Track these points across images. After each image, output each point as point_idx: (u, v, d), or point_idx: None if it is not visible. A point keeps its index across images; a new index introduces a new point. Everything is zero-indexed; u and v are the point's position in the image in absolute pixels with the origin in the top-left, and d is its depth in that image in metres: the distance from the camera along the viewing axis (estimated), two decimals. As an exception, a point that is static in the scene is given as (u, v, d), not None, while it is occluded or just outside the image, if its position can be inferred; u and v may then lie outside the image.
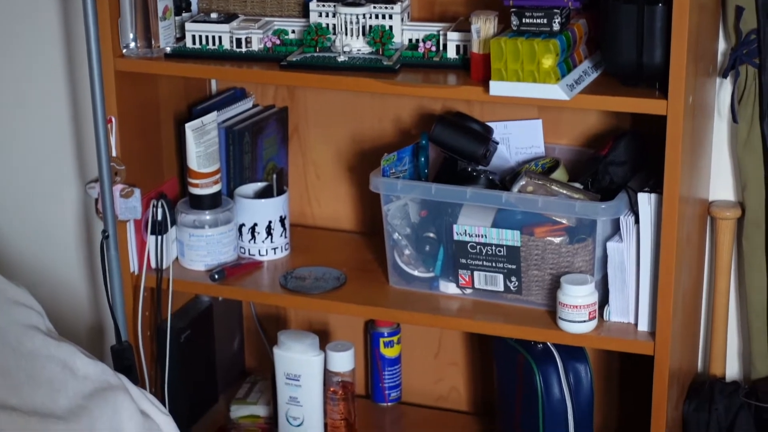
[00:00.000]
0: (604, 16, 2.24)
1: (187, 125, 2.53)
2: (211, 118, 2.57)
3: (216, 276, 2.56)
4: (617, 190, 2.36)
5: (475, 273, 2.44)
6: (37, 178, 2.95)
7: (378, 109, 2.71)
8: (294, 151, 2.81)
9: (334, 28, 2.45)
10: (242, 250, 2.64)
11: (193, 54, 2.49)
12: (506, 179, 2.49)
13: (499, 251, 2.41)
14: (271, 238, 2.63)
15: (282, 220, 2.63)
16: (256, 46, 2.47)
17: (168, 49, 2.50)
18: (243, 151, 2.66)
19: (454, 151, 2.47)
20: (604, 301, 2.38)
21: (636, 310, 2.36)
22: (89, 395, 1.88)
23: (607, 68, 2.30)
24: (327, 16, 2.46)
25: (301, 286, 2.54)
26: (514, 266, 2.41)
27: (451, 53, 2.39)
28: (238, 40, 2.47)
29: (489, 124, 2.53)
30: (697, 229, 2.47)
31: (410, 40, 2.45)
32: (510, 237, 2.39)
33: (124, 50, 2.50)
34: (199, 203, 2.58)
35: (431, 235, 2.48)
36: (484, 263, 2.43)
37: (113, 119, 2.50)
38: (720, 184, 2.54)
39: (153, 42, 2.49)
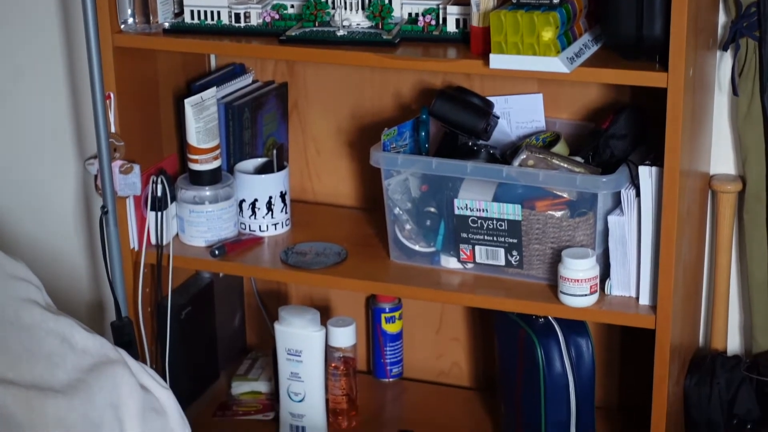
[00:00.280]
0: (604, -12, 2.24)
1: (186, 101, 2.52)
2: (211, 94, 2.56)
3: (216, 252, 2.55)
4: (618, 163, 2.36)
5: (476, 247, 2.44)
6: (36, 155, 2.95)
7: (378, 84, 2.70)
8: (294, 126, 2.80)
9: (333, 2, 2.44)
10: (243, 226, 2.64)
11: (192, 29, 2.48)
12: (507, 154, 2.48)
13: (500, 225, 2.40)
14: (272, 214, 2.63)
15: (282, 196, 2.63)
16: (254, 21, 2.46)
17: (166, 25, 2.49)
18: (243, 126, 2.65)
19: (455, 125, 2.46)
20: (605, 274, 2.38)
21: (637, 284, 2.36)
22: (88, 369, 1.88)
23: (607, 41, 2.30)
24: (326, -10, 2.46)
25: (302, 261, 2.54)
26: (515, 240, 2.40)
27: (451, 27, 2.38)
28: (237, 15, 2.46)
29: (489, 98, 2.52)
30: (698, 203, 2.47)
31: (410, 14, 2.44)
32: (511, 211, 2.39)
33: (122, 26, 2.49)
34: (199, 179, 2.58)
35: (432, 209, 2.47)
36: (485, 237, 2.42)
37: (112, 95, 2.49)
38: (721, 158, 2.53)
39: (151, 17, 2.48)
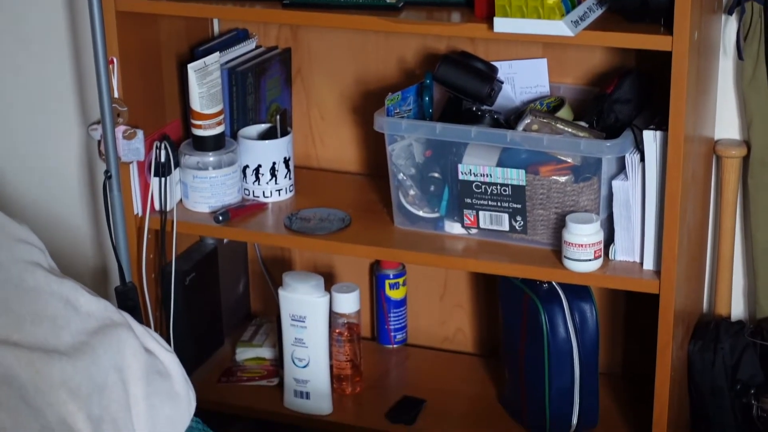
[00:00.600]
0: (609, -50, 2.23)
1: (189, 66, 2.51)
2: (214, 59, 2.56)
3: (220, 218, 2.55)
4: (622, 128, 2.35)
5: (480, 213, 2.44)
6: (39, 121, 2.94)
7: (382, 50, 2.69)
8: (297, 92, 2.79)
9: (336, -33, 2.43)
10: (246, 192, 2.64)
11: (195, -7, 2.47)
12: (511, 119, 2.48)
13: (504, 191, 2.40)
14: (276, 180, 2.62)
15: (286, 162, 2.62)
16: (258, -15, 2.45)
17: (169, -11, 2.49)
18: (246, 92, 2.64)
19: (459, 90, 2.45)
20: (609, 240, 2.38)
21: (641, 249, 2.36)
22: (92, 332, 1.87)
23: (611, 4, 2.28)
24: (329, -46, 2.45)
25: (306, 227, 2.54)
26: (519, 206, 2.40)
27: (455, -9, 2.37)
28: (240, -20, 2.45)
29: (494, 63, 2.52)
30: (703, 168, 2.46)
31: (413, -22, 2.43)
32: (515, 176, 2.38)
33: (125, -10, 2.48)
34: (203, 145, 2.57)
35: (436, 175, 2.47)
36: (489, 203, 2.42)
37: (115, 60, 2.49)
38: (725, 123, 2.53)
39: (154, -18, 2.48)
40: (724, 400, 2.49)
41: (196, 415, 2.06)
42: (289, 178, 2.65)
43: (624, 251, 2.37)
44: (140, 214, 2.60)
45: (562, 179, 2.37)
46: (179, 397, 1.99)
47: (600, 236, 2.33)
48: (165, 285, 2.65)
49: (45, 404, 1.74)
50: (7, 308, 1.80)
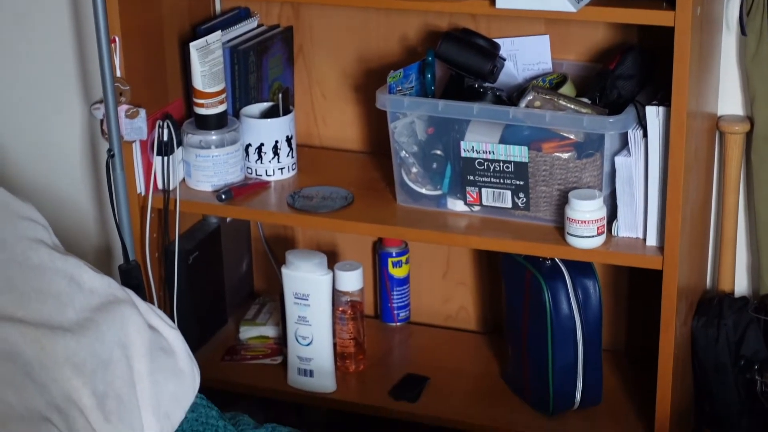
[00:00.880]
0: (611, -75, 2.22)
1: (191, 44, 2.51)
2: (216, 38, 2.56)
3: (223, 196, 2.55)
4: (625, 104, 2.35)
5: (483, 190, 2.44)
6: (42, 101, 2.94)
7: (384, 28, 2.69)
8: (299, 71, 2.79)
9: (338, -56, 2.43)
10: (249, 171, 2.64)
11: (196, -29, 2.48)
12: (513, 96, 2.48)
13: (507, 167, 2.40)
14: (278, 158, 2.62)
15: (289, 140, 2.62)
16: (259, -37, 2.45)
17: (170, -33, 2.49)
18: (248, 70, 2.64)
19: (461, 67, 2.45)
20: (612, 216, 2.38)
21: (644, 225, 2.36)
22: (96, 308, 1.88)
23: (614, -20, 2.28)
24: (331, -69, 2.44)
25: (309, 205, 2.54)
26: (521, 182, 2.40)
27: (457, -33, 2.37)
28: (242, -43, 2.45)
29: (496, 40, 2.51)
30: (706, 144, 2.46)
31: (415, -45, 2.43)
32: (518, 153, 2.38)
33: (126, -32, 2.48)
34: (205, 123, 2.57)
35: (438, 152, 2.47)
36: (492, 180, 2.42)
37: (117, 39, 2.49)
38: (728, 99, 2.52)
39: (155, -40, 2.48)
40: (727, 376, 2.49)
41: (199, 393, 2.06)
42: (292, 157, 2.65)
43: (627, 227, 2.38)
44: (143, 194, 2.60)
45: (565, 156, 2.36)
46: (183, 373, 1.99)
47: (603, 212, 2.33)
48: (168, 264, 2.65)
49: (50, 380, 1.75)
50: (12, 285, 1.80)
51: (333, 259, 2.77)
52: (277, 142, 2.61)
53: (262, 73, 2.68)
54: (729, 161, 2.51)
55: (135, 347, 1.90)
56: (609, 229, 2.37)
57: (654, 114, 2.27)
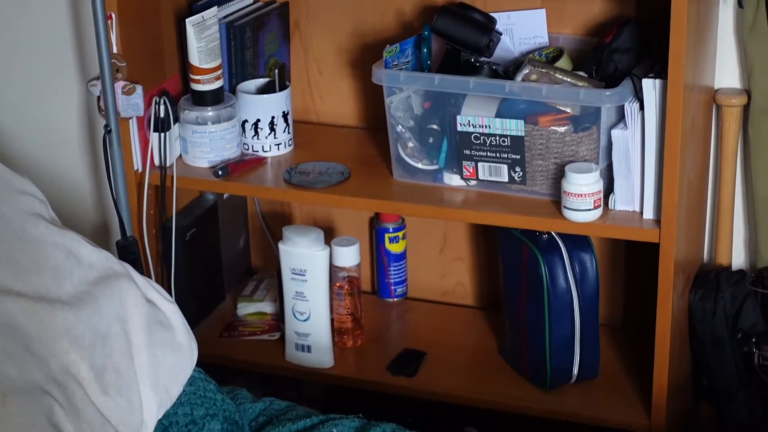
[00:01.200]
0: None
1: (187, 20, 2.51)
2: (212, 13, 2.55)
3: (220, 172, 2.55)
4: (621, 77, 2.35)
5: (479, 164, 2.44)
6: (39, 78, 2.94)
7: (379, 2, 2.68)
8: (296, 47, 2.79)
9: None
10: (246, 147, 2.64)
11: (192, -53, 2.47)
12: (510, 70, 2.48)
13: (503, 141, 2.40)
14: (275, 134, 2.62)
15: (285, 116, 2.62)
16: (255, -62, 2.45)
17: (166, -58, 2.48)
18: (244, 46, 2.64)
19: (457, 41, 2.45)
20: (609, 189, 2.38)
21: (641, 198, 2.36)
22: (94, 282, 1.88)
23: (610, -47, 2.28)
24: None
25: (305, 180, 2.54)
26: (518, 156, 2.40)
27: (453, -59, 2.37)
28: (237, -68, 2.45)
29: (492, 14, 2.51)
30: (703, 117, 2.46)
31: (411, -71, 2.43)
32: (514, 127, 2.38)
33: (122, -57, 2.47)
34: (202, 99, 2.57)
35: (435, 126, 2.46)
36: (488, 154, 2.42)
37: (113, 15, 2.48)
38: (725, 72, 2.52)
39: (151, -65, 2.47)
40: (725, 349, 2.50)
41: (197, 367, 2.06)
42: (288, 133, 2.65)
43: (624, 200, 2.38)
44: (140, 170, 2.60)
45: (561, 129, 2.36)
46: (181, 347, 1.99)
47: (599, 186, 2.33)
48: (165, 240, 2.65)
49: (48, 353, 1.75)
50: (10, 259, 1.80)
51: (330, 235, 2.77)
52: (273, 117, 2.61)
53: (259, 49, 2.68)
54: (726, 134, 2.51)
55: (133, 321, 1.90)
56: (606, 203, 2.37)
57: (651, 87, 2.27)
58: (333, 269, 2.66)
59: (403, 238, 2.82)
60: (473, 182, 2.47)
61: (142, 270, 2.54)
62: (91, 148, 2.95)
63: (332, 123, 2.82)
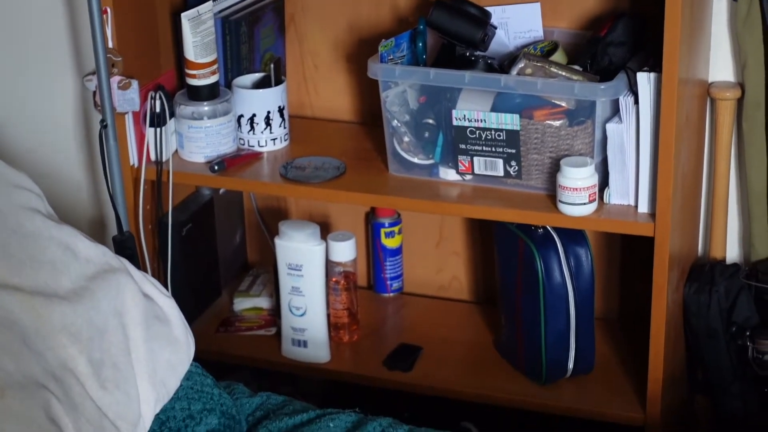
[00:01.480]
0: None
1: (183, 15, 2.51)
2: (207, 8, 2.55)
3: (216, 167, 2.56)
4: (616, 71, 2.35)
5: (475, 158, 2.44)
6: (34, 72, 2.93)
7: (375, -4, 2.69)
8: (291, 41, 2.79)
9: None
10: (241, 142, 2.64)
11: (187, -59, 2.47)
12: (505, 64, 2.48)
13: (499, 136, 2.40)
14: (270, 129, 2.63)
15: (281, 111, 2.62)
16: (250, -68, 2.45)
17: (161, -63, 2.48)
18: (240, 41, 2.64)
19: (452, 35, 2.45)
20: (604, 183, 2.39)
21: (636, 192, 2.36)
22: (91, 277, 1.88)
23: (604, -54, 2.29)
24: None
25: (301, 175, 2.54)
26: (513, 150, 2.40)
27: (448, -64, 2.37)
28: (232, -73, 2.45)
29: (487, 8, 2.51)
30: (697, 110, 2.47)
31: (406, -76, 2.43)
32: (509, 121, 2.38)
33: (117, -62, 2.48)
34: (197, 94, 2.57)
35: (430, 121, 2.47)
36: (484, 148, 2.42)
37: (108, 10, 2.48)
38: (720, 65, 2.53)
39: (146, -70, 2.47)
40: (719, 342, 2.50)
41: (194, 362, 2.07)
42: (284, 127, 2.65)
43: (619, 194, 2.38)
44: (136, 165, 2.60)
45: (557, 123, 2.37)
46: (178, 342, 2.00)
47: (594, 180, 2.34)
48: (162, 236, 2.65)
49: (46, 348, 1.75)
50: (7, 253, 1.80)
51: (326, 230, 2.78)
52: (269, 112, 2.61)
53: (254, 44, 2.68)
54: (720, 128, 2.51)
55: (130, 315, 1.91)
56: (601, 197, 2.38)
57: (645, 80, 2.27)
58: (329, 264, 2.66)
59: (399, 233, 2.82)
60: (469, 177, 2.47)
61: (139, 265, 2.55)
62: (87, 143, 2.95)
63: (327, 117, 2.82)
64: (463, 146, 2.44)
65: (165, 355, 1.95)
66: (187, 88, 2.58)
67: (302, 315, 2.64)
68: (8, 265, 1.79)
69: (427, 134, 2.48)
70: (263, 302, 2.83)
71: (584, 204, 2.34)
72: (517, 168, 2.42)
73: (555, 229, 2.47)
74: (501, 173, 2.44)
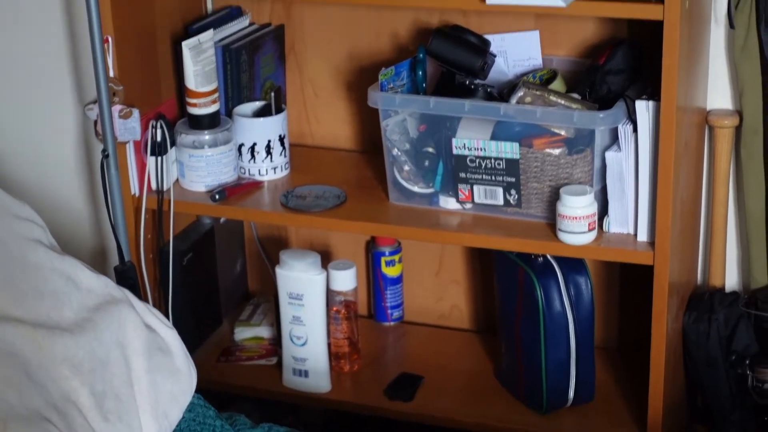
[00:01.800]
0: None
1: (183, 43, 2.52)
2: (208, 37, 2.56)
3: (217, 196, 2.56)
4: (615, 99, 2.36)
5: (475, 187, 2.45)
6: (35, 102, 2.94)
7: (375, 25, 2.70)
8: (291, 69, 2.80)
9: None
10: (242, 171, 2.64)
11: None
12: (504, 92, 2.49)
13: (499, 164, 2.41)
14: (271, 158, 2.63)
15: (281, 139, 2.63)
16: (250, -38, 2.46)
17: (161, -33, 2.49)
18: (240, 69, 2.65)
19: (452, 64, 2.46)
20: (603, 212, 2.39)
21: (635, 220, 2.37)
22: (94, 308, 1.88)
23: (602, -25, 2.29)
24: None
25: (302, 204, 2.55)
26: (513, 179, 2.41)
27: (447, -36, 2.38)
28: (232, -43, 2.46)
29: (486, 37, 2.52)
30: (695, 138, 2.48)
31: (405, -47, 2.44)
32: (509, 149, 2.39)
33: (118, -32, 2.48)
34: (198, 123, 2.58)
35: (430, 149, 2.48)
36: (484, 177, 2.43)
37: (110, 39, 2.49)
38: (718, 93, 2.54)
39: (146, -40, 2.48)
40: (719, 370, 2.50)
41: (196, 393, 2.06)
42: (284, 156, 2.66)
43: (618, 223, 2.39)
44: (137, 194, 2.61)
45: (556, 152, 2.37)
46: (181, 373, 2.00)
47: (594, 208, 2.34)
48: (163, 265, 2.65)
49: (48, 380, 1.75)
50: (9, 284, 1.80)
51: (326, 259, 2.78)
52: (269, 141, 2.62)
53: (255, 72, 2.69)
54: (718, 155, 2.52)
55: (133, 347, 1.91)
56: (600, 225, 2.38)
57: (644, 108, 2.28)
58: (330, 293, 2.66)
59: (400, 261, 2.83)
60: (469, 205, 2.48)
61: (140, 295, 2.55)
62: (87, 172, 2.96)
63: (328, 145, 2.83)
64: (463, 175, 2.44)
65: (167, 386, 1.95)
66: (188, 116, 2.59)
67: (303, 344, 2.64)
68: (11, 297, 1.79)
69: (427, 163, 2.48)
70: (264, 332, 2.82)
71: (584, 233, 2.34)
72: (516, 196, 2.42)
73: (555, 257, 2.48)
74: (501, 202, 2.44)
